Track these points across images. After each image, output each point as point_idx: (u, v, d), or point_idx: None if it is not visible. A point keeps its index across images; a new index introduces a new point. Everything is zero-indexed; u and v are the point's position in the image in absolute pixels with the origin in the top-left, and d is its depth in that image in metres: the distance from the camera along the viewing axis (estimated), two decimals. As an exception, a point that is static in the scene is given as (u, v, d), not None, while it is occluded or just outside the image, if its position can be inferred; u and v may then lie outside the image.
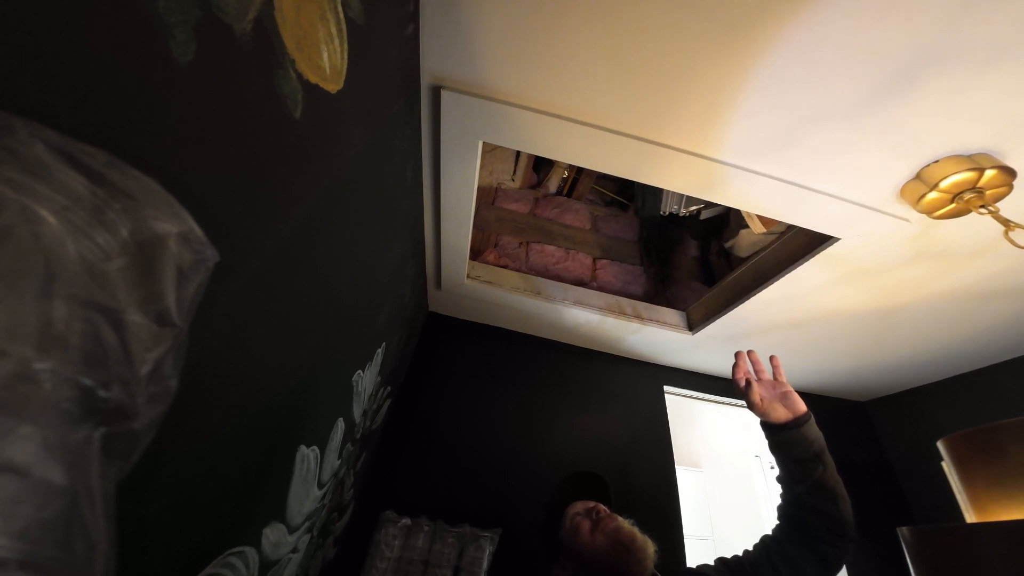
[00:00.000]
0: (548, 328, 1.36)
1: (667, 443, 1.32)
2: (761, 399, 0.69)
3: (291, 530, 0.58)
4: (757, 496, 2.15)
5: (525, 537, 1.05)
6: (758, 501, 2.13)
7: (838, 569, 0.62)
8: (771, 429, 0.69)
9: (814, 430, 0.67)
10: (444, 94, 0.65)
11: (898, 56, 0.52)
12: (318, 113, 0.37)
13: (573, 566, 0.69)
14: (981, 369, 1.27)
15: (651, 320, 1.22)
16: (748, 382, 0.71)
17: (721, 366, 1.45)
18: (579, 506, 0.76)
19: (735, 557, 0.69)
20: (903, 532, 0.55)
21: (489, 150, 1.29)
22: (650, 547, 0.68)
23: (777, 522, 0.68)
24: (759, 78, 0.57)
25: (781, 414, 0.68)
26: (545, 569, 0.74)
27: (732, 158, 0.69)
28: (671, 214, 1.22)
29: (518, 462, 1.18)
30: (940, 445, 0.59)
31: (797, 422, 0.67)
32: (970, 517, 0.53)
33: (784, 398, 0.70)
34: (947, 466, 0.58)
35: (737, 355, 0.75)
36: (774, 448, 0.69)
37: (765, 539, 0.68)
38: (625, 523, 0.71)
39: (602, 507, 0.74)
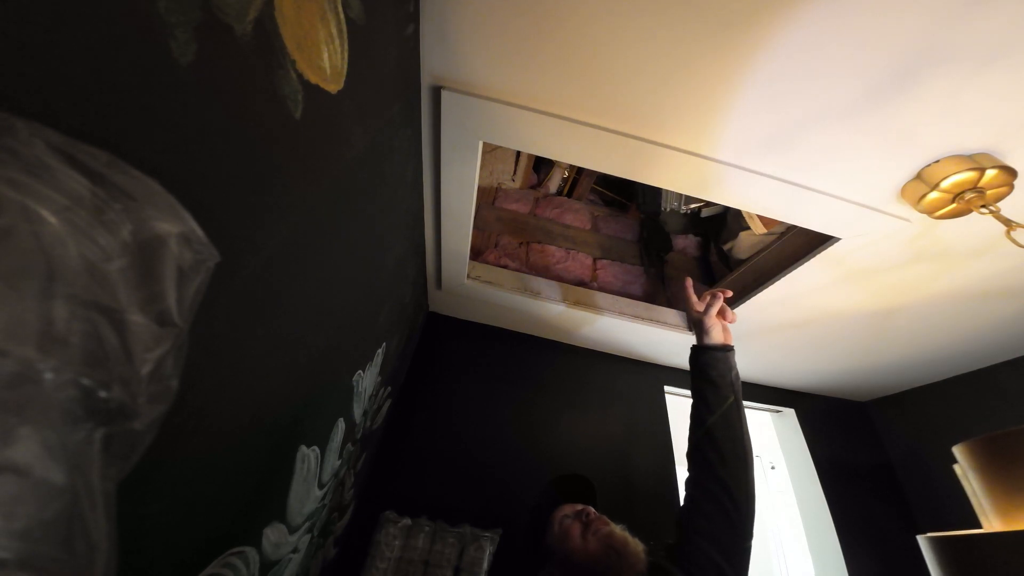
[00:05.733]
0: (549, 328, 1.36)
1: (668, 443, 1.32)
2: (716, 314, 0.82)
3: (292, 530, 0.58)
4: (757, 496, 2.15)
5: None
6: (758, 501, 2.13)
7: (742, 529, 0.66)
8: (703, 349, 0.81)
9: (734, 361, 0.79)
10: (444, 94, 0.65)
11: (898, 55, 0.52)
12: (318, 113, 0.37)
13: (562, 571, 0.68)
14: (981, 369, 1.27)
15: (651, 320, 1.22)
16: (720, 296, 0.83)
17: (721, 366, 1.45)
18: (567, 509, 0.75)
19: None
20: (925, 540, 0.54)
21: (489, 150, 1.28)
22: (641, 550, 0.68)
23: (687, 473, 0.74)
24: (757, 77, 0.57)
25: (718, 336, 0.81)
26: (530, 574, 0.73)
27: (731, 158, 0.69)
28: (671, 211, 1.22)
29: (518, 462, 1.18)
30: (956, 451, 0.58)
31: (726, 347, 0.80)
32: (990, 524, 0.53)
33: (724, 330, 0.83)
34: (962, 471, 0.57)
35: (719, 291, 0.86)
36: (697, 370, 0.80)
37: (686, 487, 0.74)
38: (616, 528, 0.71)
39: (591, 510, 0.74)
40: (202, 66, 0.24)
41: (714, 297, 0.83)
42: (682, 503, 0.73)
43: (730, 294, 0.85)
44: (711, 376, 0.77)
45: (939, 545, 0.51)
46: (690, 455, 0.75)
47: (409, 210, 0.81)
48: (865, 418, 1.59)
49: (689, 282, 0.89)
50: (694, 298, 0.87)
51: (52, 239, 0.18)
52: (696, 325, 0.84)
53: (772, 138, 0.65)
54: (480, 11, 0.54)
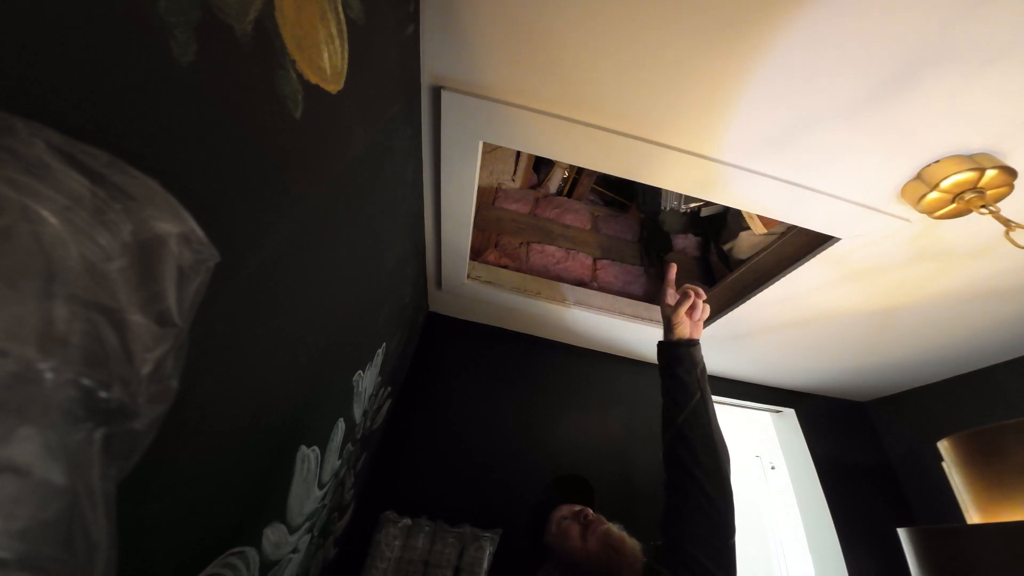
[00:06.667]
0: (549, 328, 1.36)
1: (667, 443, 1.32)
2: (684, 311, 0.80)
3: (292, 530, 0.58)
4: (756, 496, 2.15)
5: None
6: (757, 501, 2.13)
7: (721, 526, 0.65)
8: (668, 344, 0.80)
9: (700, 356, 0.78)
10: (444, 94, 0.65)
11: (899, 55, 0.52)
12: (318, 113, 0.37)
13: (561, 570, 0.68)
14: (981, 369, 1.26)
15: (651, 320, 1.22)
16: (692, 295, 0.81)
17: (722, 366, 1.45)
18: (565, 510, 0.76)
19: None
20: (904, 533, 0.55)
21: (489, 150, 1.28)
22: (638, 549, 0.68)
23: (665, 476, 0.72)
24: (757, 77, 0.56)
25: (684, 333, 0.80)
26: (528, 573, 0.73)
27: (731, 158, 0.69)
28: (671, 210, 1.22)
29: (518, 462, 1.18)
30: (941, 446, 0.58)
31: (691, 341, 0.79)
32: (971, 518, 0.53)
33: (693, 327, 0.81)
34: (948, 466, 0.58)
35: (690, 289, 0.84)
36: (664, 367, 0.79)
37: (664, 489, 0.72)
38: (614, 527, 0.71)
39: (589, 511, 0.74)
40: (202, 66, 0.24)
41: (685, 295, 0.81)
42: (663, 506, 0.70)
43: (704, 295, 0.83)
44: (677, 373, 0.76)
45: (915, 537, 0.52)
46: (665, 457, 0.73)
47: (409, 210, 0.81)
48: (865, 418, 1.59)
49: (673, 269, 0.87)
50: (670, 291, 0.85)
51: (52, 239, 0.18)
52: (665, 320, 0.82)
53: (772, 138, 0.65)
54: (480, 11, 0.54)
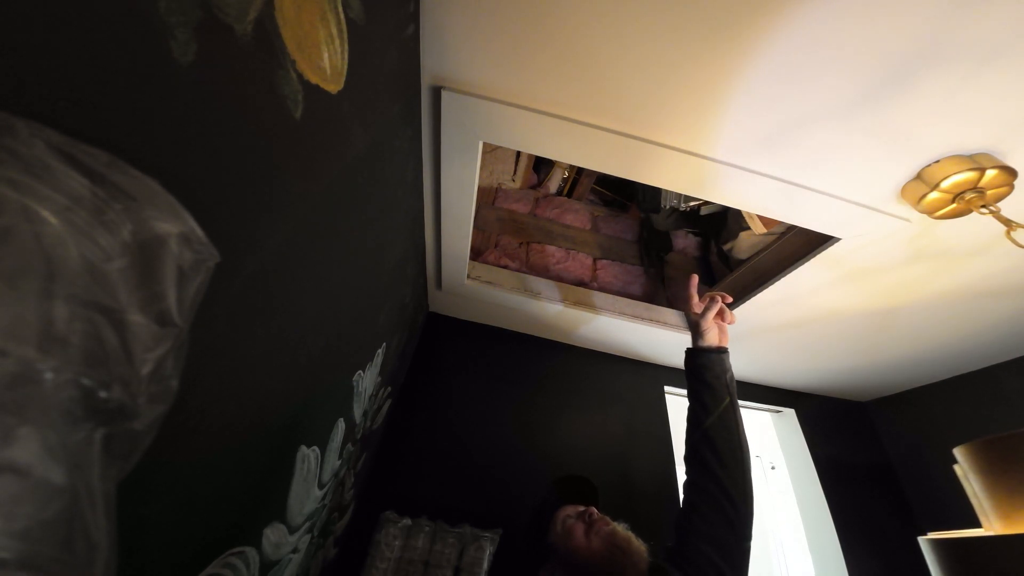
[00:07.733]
0: (549, 329, 1.36)
1: (668, 444, 1.32)
2: (713, 317, 0.82)
3: (292, 530, 0.58)
4: (757, 496, 2.15)
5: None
6: (758, 501, 2.13)
7: (741, 530, 0.67)
8: (698, 351, 0.81)
9: (729, 362, 0.80)
10: (444, 94, 0.65)
11: (897, 55, 0.52)
12: (318, 113, 0.37)
13: (564, 569, 0.68)
14: (981, 369, 1.26)
15: (651, 320, 1.22)
16: (719, 300, 0.83)
17: (721, 366, 1.45)
18: (570, 509, 0.75)
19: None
20: (926, 542, 0.54)
21: (489, 150, 1.29)
22: (644, 550, 0.68)
23: (685, 476, 0.75)
24: (756, 76, 0.57)
25: (713, 339, 0.81)
26: (530, 572, 0.73)
27: (731, 157, 0.69)
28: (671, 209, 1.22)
29: (519, 463, 1.18)
30: (957, 452, 0.58)
31: (720, 349, 0.80)
32: (991, 525, 0.53)
33: (721, 334, 0.83)
34: (962, 472, 0.57)
35: (716, 294, 0.86)
36: (693, 372, 0.80)
37: (684, 490, 0.74)
38: (619, 526, 0.71)
39: (594, 510, 0.74)
40: (202, 66, 0.24)
41: (712, 300, 0.83)
42: (681, 506, 0.73)
43: (730, 299, 0.84)
44: (706, 378, 0.78)
45: (941, 547, 0.51)
46: (687, 458, 0.76)
47: (409, 210, 0.81)
48: (865, 418, 1.59)
49: (694, 280, 0.87)
50: (695, 298, 0.86)
51: (52, 239, 0.18)
52: (693, 327, 0.85)
53: (771, 137, 0.65)
54: (480, 11, 0.54)
